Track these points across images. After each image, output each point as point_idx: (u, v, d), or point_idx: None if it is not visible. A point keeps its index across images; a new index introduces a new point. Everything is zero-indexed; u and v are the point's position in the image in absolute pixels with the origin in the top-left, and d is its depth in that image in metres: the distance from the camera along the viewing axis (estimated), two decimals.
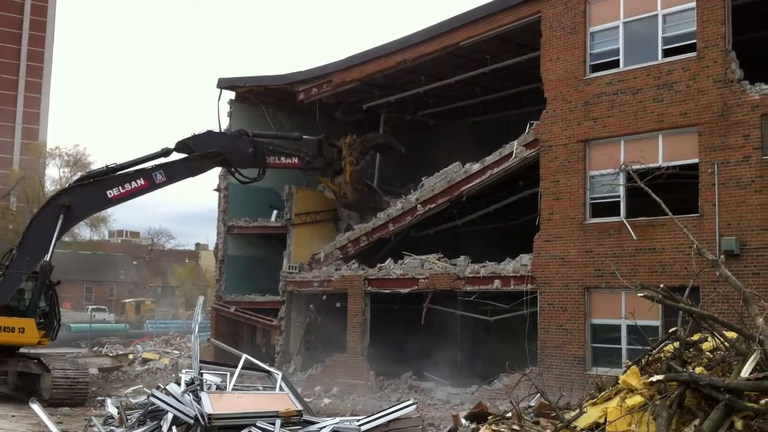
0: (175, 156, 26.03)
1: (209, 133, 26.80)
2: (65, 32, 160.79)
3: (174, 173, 25.81)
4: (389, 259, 28.65)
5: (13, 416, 21.25)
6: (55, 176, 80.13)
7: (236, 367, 16.31)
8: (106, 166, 25.30)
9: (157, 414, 14.83)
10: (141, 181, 25.14)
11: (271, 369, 17.17)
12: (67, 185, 38.88)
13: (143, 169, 25.34)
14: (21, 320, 24.12)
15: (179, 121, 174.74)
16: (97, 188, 25.02)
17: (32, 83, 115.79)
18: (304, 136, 28.66)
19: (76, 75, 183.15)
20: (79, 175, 46.92)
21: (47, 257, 24.19)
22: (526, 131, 24.55)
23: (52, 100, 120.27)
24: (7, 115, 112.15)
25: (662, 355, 10.77)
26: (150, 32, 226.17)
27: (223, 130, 28.96)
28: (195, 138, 26.16)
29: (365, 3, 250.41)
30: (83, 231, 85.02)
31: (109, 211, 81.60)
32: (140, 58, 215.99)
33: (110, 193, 24.90)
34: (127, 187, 24.98)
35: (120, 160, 25.47)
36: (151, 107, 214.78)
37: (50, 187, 73.19)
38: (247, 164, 27.32)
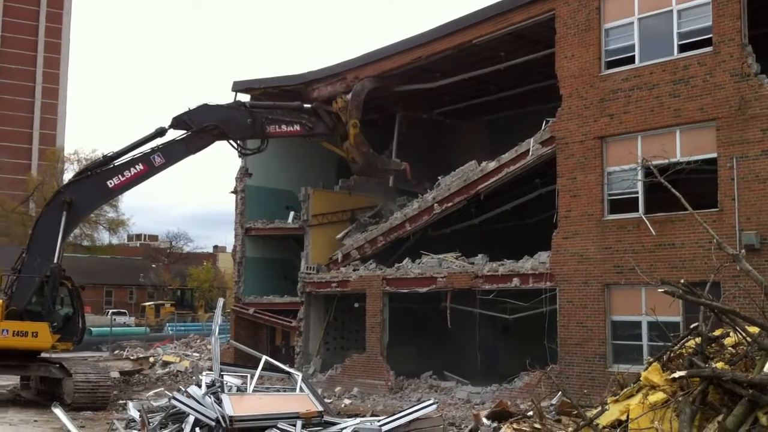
0: (172, 134, 25.53)
1: (204, 106, 26.03)
2: (81, 38, 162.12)
3: (172, 154, 25.39)
4: (407, 258, 28.62)
5: (35, 421, 21.40)
6: None
7: (256, 368, 16.40)
8: (103, 156, 25.14)
9: (178, 417, 14.92)
10: (140, 167, 24.82)
11: (291, 370, 17.24)
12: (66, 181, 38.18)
13: (141, 155, 24.98)
14: (34, 324, 23.91)
15: None
16: (97, 180, 24.82)
17: (49, 89, 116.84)
18: (304, 105, 28.17)
19: (92, 80, 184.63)
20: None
21: (55, 257, 24.01)
22: (542, 128, 24.47)
23: (69, 106, 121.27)
24: (24, 121, 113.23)
25: (684, 351, 10.72)
26: (164, 34, 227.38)
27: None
28: (190, 113, 25.56)
29: (376, 2, 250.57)
30: (102, 235, 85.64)
31: (128, 214, 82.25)
32: (155, 61, 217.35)
33: (111, 183, 24.68)
34: (127, 174, 24.71)
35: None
36: (166, 110, 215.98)
37: None
38: (247, 135, 26.86)
